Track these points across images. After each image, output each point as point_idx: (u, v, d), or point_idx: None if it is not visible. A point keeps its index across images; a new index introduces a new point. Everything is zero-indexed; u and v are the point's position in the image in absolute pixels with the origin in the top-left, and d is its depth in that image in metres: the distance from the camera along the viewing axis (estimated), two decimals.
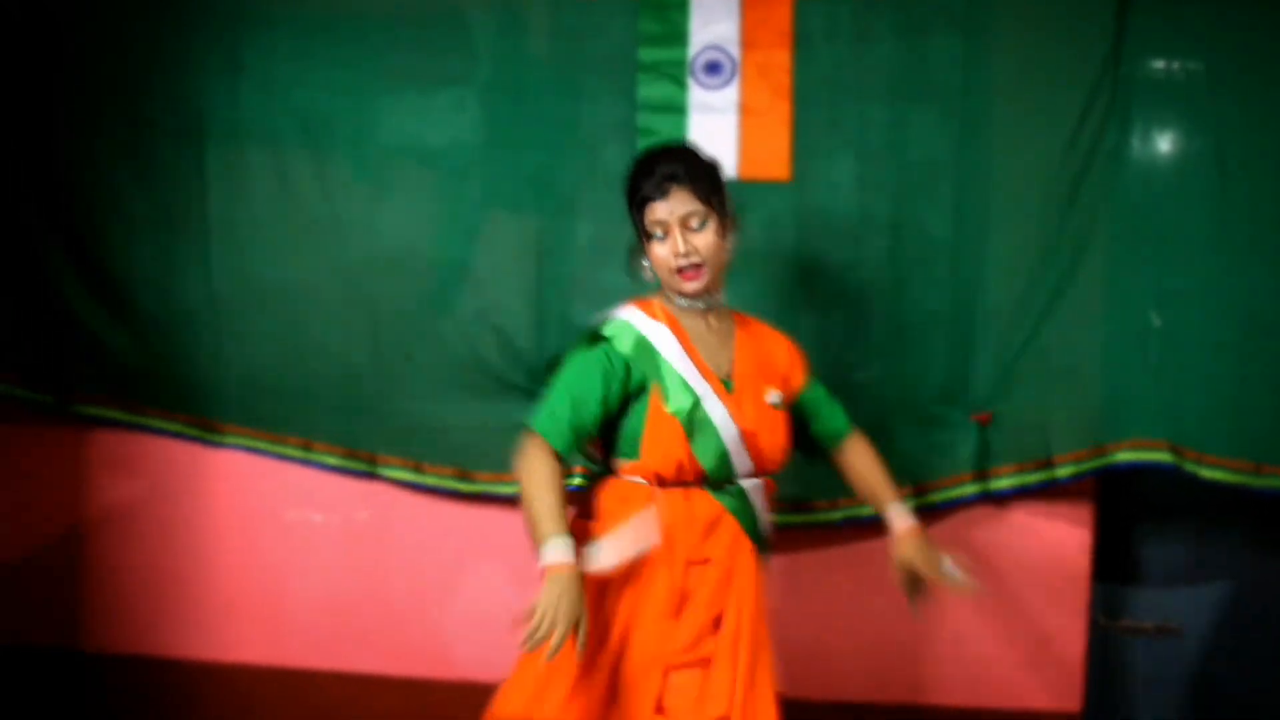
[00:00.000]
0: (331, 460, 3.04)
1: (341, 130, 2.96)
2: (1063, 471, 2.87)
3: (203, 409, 3.05)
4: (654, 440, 2.13)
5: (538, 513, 2.04)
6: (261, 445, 3.05)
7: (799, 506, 2.96)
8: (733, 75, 2.91)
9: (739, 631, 2.15)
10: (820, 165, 2.90)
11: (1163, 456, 2.81)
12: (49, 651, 3.14)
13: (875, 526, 2.95)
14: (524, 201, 2.93)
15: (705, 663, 2.13)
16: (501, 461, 2.96)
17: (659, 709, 2.11)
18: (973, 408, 2.90)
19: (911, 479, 2.93)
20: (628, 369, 2.14)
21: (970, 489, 2.93)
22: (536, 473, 2.08)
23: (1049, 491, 2.93)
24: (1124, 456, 2.84)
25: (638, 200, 2.17)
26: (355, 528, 3.10)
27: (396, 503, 3.07)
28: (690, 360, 2.17)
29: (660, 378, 2.15)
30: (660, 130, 2.88)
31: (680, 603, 2.13)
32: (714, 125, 2.89)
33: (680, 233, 2.13)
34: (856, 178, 2.90)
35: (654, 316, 2.21)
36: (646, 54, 2.91)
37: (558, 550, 2.00)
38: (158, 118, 2.99)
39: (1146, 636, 3.12)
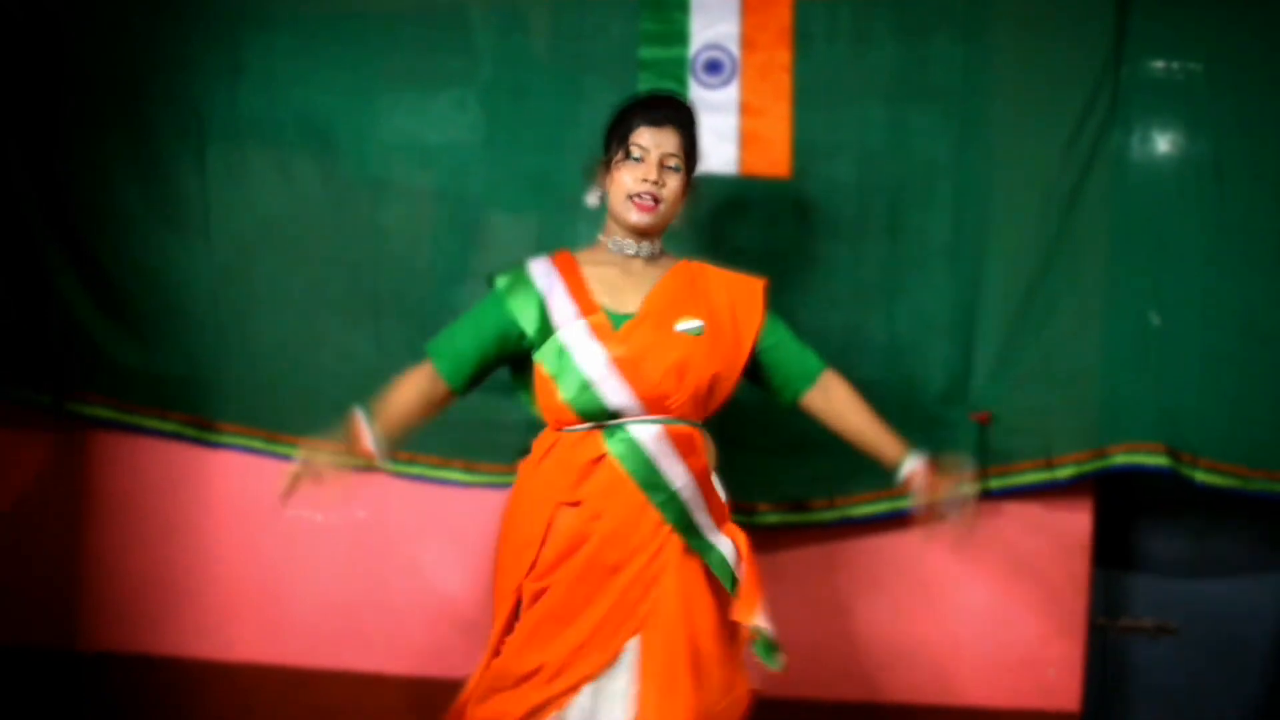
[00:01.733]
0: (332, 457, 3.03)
1: (342, 130, 2.96)
2: (1062, 473, 2.88)
3: (201, 408, 3.04)
4: (538, 385, 2.25)
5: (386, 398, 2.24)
6: (258, 444, 3.05)
7: (795, 506, 2.96)
8: (733, 75, 2.91)
9: (590, 560, 2.15)
10: (820, 165, 2.91)
11: (1160, 460, 2.82)
12: (48, 651, 3.13)
13: (869, 526, 2.99)
14: (524, 201, 2.94)
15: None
16: (505, 454, 2.98)
17: (508, 629, 2.22)
18: (972, 408, 2.91)
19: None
20: (513, 317, 2.25)
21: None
22: (398, 382, 2.29)
23: (1048, 492, 2.94)
24: (1122, 459, 2.84)
25: (627, 123, 2.24)
26: (355, 526, 3.10)
27: (397, 501, 3.07)
28: (573, 301, 2.22)
29: (535, 322, 2.23)
30: None
31: (543, 537, 2.19)
32: (714, 124, 2.90)
33: (657, 165, 2.20)
34: (856, 178, 2.91)
35: (558, 262, 2.29)
36: (647, 53, 2.91)
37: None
38: (158, 117, 2.99)
39: (1146, 636, 3.12)
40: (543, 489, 2.22)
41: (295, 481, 2.17)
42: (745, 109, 2.90)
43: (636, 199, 2.20)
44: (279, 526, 3.10)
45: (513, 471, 2.98)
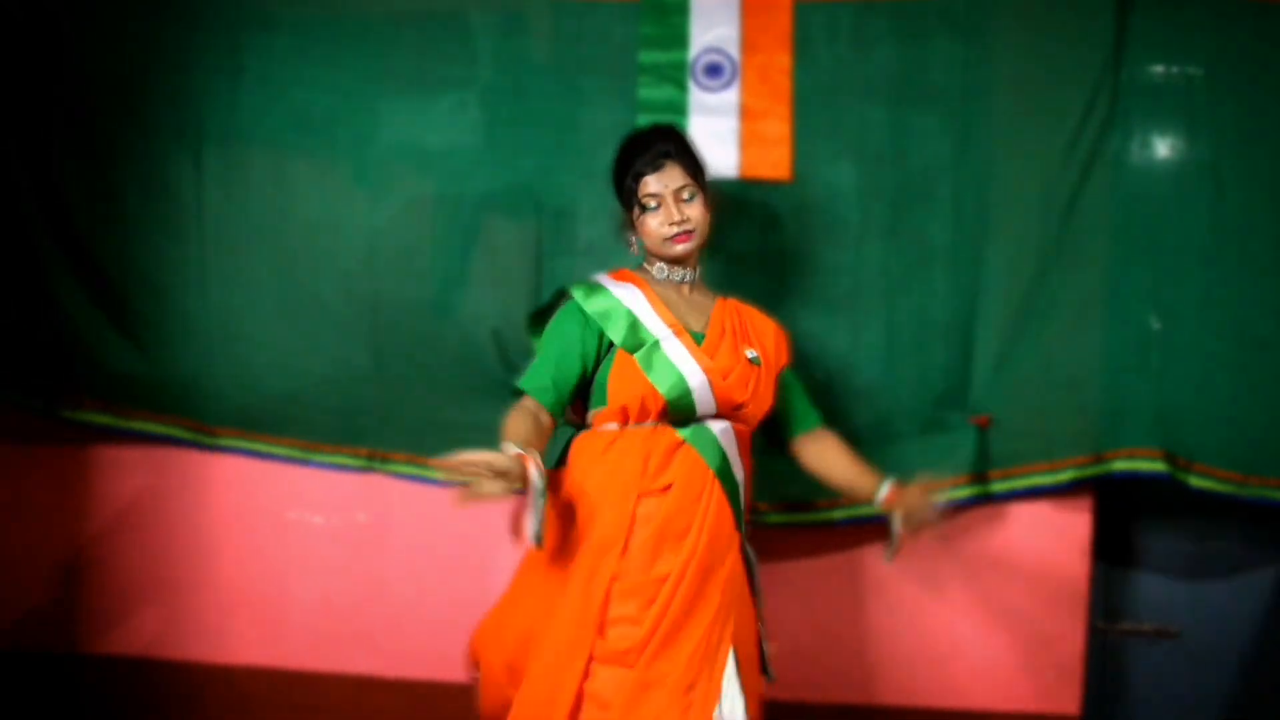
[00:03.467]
0: (331, 459, 3.03)
1: (341, 132, 2.95)
2: (1061, 477, 2.88)
3: (197, 412, 3.02)
4: (619, 378, 2.29)
5: (503, 436, 2.16)
6: (258, 447, 3.04)
7: (799, 506, 2.96)
8: (733, 78, 2.91)
9: (693, 554, 2.21)
10: (821, 168, 2.91)
11: (1157, 466, 2.82)
12: (47, 654, 3.13)
13: (873, 527, 2.97)
14: (524, 204, 2.93)
15: (656, 584, 2.21)
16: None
17: (600, 632, 2.20)
18: (972, 412, 2.91)
19: (910, 481, 2.94)
20: (596, 324, 2.32)
21: (969, 492, 2.93)
22: (512, 419, 2.23)
23: (1048, 495, 2.94)
24: (1121, 465, 2.85)
25: (631, 175, 2.36)
26: (355, 529, 3.10)
27: (396, 504, 3.07)
28: (653, 310, 2.34)
29: (624, 329, 2.31)
30: None
31: (628, 533, 2.22)
32: (714, 127, 2.90)
33: (674, 203, 2.33)
34: (857, 181, 2.91)
35: (623, 280, 2.40)
36: (647, 57, 2.91)
37: (510, 449, 2.09)
38: (157, 118, 2.98)
39: (1146, 640, 3.12)
40: (619, 480, 2.26)
41: (471, 498, 2.09)
42: (745, 112, 2.90)
43: (673, 239, 2.34)
44: (278, 529, 3.11)
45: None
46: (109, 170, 3.00)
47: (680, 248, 2.35)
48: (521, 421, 2.22)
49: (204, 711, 3.11)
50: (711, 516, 2.25)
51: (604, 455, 2.30)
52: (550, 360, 2.32)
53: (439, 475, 2.98)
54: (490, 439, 2.93)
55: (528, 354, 2.92)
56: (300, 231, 2.98)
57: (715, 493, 2.27)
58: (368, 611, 3.10)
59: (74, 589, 3.14)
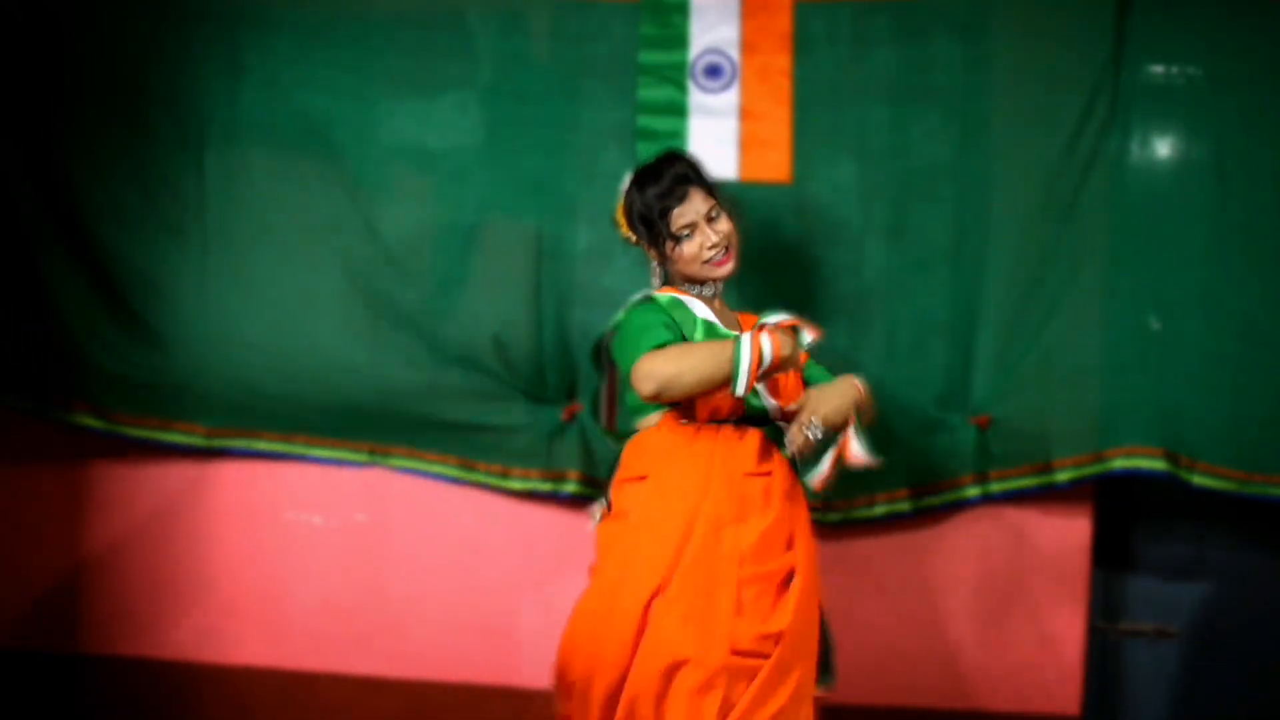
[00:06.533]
0: (332, 453, 3.03)
1: (342, 133, 2.95)
2: (1061, 476, 2.88)
3: (193, 414, 3.01)
4: None
5: (699, 350, 2.16)
6: (258, 445, 3.03)
7: None
8: (733, 79, 2.91)
9: (806, 550, 2.22)
10: (821, 169, 2.90)
11: (1157, 464, 2.82)
12: (49, 655, 3.14)
13: (871, 530, 2.99)
14: (524, 205, 2.93)
15: (774, 575, 2.18)
16: (503, 457, 2.98)
17: (739, 611, 2.13)
18: (972, 411, 2.91)
19: (911, 481, 2.94)
20: (677, 325, 2.29)
21: (969, 492, 2.94)
22: (668, 351, 2.15)
23: (1048, 494, 2.94)
24: (1121, 463, 2.85)
25: (659, 211, 2.34)
26: (355, 529, 3.10)
27: (396, 504, 3.08)
28: (717, 319, 2.35)
29: (702, 334, 2.30)
30: (660, 133, 2.89)
31: (740, 509, 2.19)
32: (714, 128, 2.90)
33: (707, 226, 2.34)
34: (857, 181, 2.91)
35: (676, 293, 2.39)
36: (647, 57, 2.91)
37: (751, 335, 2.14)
38: (157, 120, 2.97)
39: (1145, 639, 3.12)
40: (720, 462, 2.22)
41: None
42: (745, 114, 2.90)
43: (713, 261, 2.35)
44: (279, 530, 3.11)
45: (509, 473, 3.01)
46: (109, 170, 2.99)
47: (722, 269, 2.36)
48: (684, 346, 2.18)
49: (204, 711, 3.11)
50: (804, 510, 2.27)
51: (693, 444, 2.25)
52: (656, 326, 2.24)
53: (439, 470, 3.03)
54: (488, 438, 2.97)
55: (528, 355, 2.94)
56: (300, 231, 2.98)
57: (795, 483, 2.28)
58: (368, 611, 3.10)
59: (75, 589, 3.14)
